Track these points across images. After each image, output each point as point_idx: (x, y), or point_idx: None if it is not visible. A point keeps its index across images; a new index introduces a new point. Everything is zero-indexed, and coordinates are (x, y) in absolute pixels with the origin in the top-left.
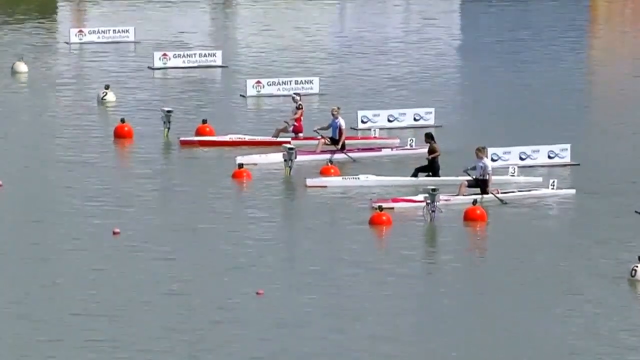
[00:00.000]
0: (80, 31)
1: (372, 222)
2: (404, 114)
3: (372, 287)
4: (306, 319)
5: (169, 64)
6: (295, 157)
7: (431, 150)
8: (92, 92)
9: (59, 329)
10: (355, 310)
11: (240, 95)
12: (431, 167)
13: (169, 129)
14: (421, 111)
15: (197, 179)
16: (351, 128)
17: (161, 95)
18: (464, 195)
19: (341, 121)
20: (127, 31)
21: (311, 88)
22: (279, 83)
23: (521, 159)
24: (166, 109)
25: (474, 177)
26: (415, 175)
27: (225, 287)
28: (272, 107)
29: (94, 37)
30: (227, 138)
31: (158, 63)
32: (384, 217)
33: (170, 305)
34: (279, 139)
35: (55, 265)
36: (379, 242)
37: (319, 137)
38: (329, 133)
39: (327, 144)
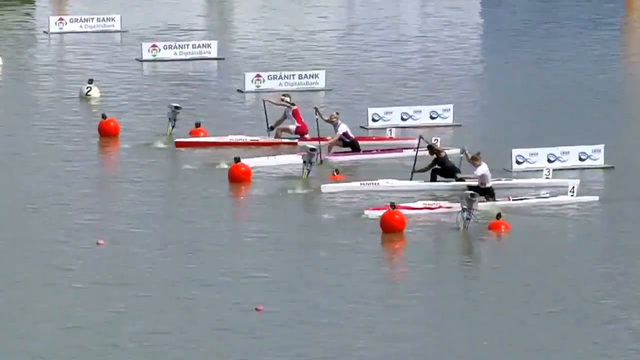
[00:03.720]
0: (61, 19)
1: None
2: (419, 111)
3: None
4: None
5: (159, 55)
6: (317, 160)
7: (434, 152)
8: (74, 87)
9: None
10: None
11: (238, 90)
12: (445, 169)
13: (173, 126)
14: (438, 108)
15: (194, 185)
16: (360, 127)
17: (150, 91)
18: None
19: (343, 127)
20: (113, 20)
21: (316, 83)
22: (280, 77)
23: (549, 161)
24: (173, 105)
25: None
26: (433, 179)
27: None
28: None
29: (75, 26)
30: (227, 139)
31: (147, 55)
32: (396, 216)
33: (168, 317)
34: (283, 140)
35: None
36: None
37: (318, 117)
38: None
39: (339, 145)
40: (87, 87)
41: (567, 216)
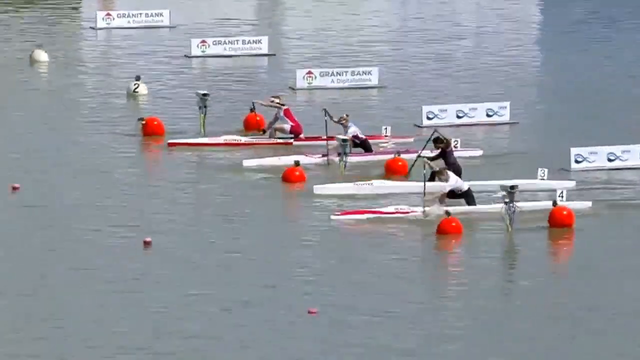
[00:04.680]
0: (108, 15)
1: (441, 231)
2: (475, 109)
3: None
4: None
5: (209, 51)
6: (350, 151)
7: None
8: (121, 83)
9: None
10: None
11: (289, 87)
12: (446, 165)
13: (204, 114)
14: (494, 106)
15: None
16: (415, 125)
17: (200, 87)
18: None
19: (353, 129)
20: (161, 15)
21: (369, 80)
22: (332, 74)
23: (609, 160)
24: (201, 92)
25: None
26: (432, 179)
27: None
28: (324, 100)
29: (123, 22)
30: (221, 140)
31: (196, 51)
32: (453, 224)
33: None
34: (277, 140)
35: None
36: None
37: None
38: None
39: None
40: (135, 84)
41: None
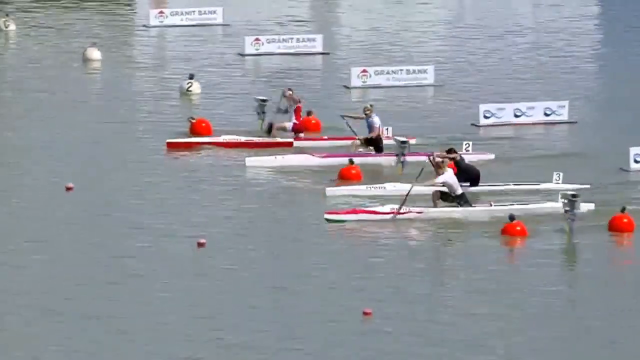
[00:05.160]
0: (161, 12)
1: (505, 233)
2: (533, 107)
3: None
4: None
5: (262, 50)
6: (409, 151)
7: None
8: (174, 82)
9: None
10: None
11: (344, 86)
12: (460, 172)
13: (263, 120)
14: (553, 104)
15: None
16: (472, 124)
17: (253, 86)
18: (438, 206)
19: (375, 119)
20: (215, 12)
21: (425, 78)
22: (388, 72)
23: None
24: (260, 97)
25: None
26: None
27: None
28: (379, 99)
29: (176, 20)
30: (220, 139)
31: (250, 49)
32: (517, 228)
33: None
34: (278, 140)
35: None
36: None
37: (352, 135)
38: (362, 132)
39: (361, 146)
40: (188, 83)
41: None
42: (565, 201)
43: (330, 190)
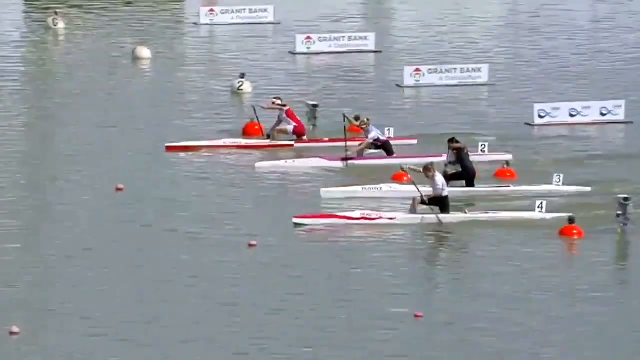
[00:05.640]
0: (212, 11)
1: (563, 234)
2: (589, 107)
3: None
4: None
5: (314, 48)
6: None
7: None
8: (225, 81)
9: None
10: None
11: (396, 85)
12: (461, 168)
13: (314, 125)
14: (609, 104)
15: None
16: (525, 124)
17: (304, 85)
18: (419, 213)
19: (374, 133)
20: (266, 11)
21: (479, 77)
22: (441, 71)
23: None
24: (311, 102)
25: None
26: (451, 178)
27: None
28: (432, 98)
29: (227, 18)
30: (221, 142)
31: (301, 47)
32: (574, 231)
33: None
34: (279, 142)
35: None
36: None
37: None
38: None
39: (370, 148)
40: (239, 82)
41: None
42: (618, 205)
43: (326, 192)
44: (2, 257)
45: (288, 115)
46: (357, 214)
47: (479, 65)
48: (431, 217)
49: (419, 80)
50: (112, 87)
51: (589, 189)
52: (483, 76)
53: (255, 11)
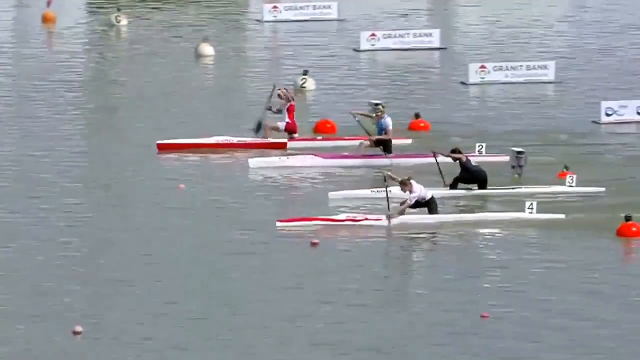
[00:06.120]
0: (275, 7)
1: (620, 234)
2: None
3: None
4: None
5: (378, 45)
6: (526, 163)
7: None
8: (288, 78)
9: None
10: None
11: (461, 82)
12: (467, 174)
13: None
14: None
15: None
16: (593, 122)
17: (368, 82)
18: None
19: (388, 120)
20: (329, 7)
21: (545, 75)
22: (507, 68)
23: None
24: (375, 101)
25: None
26: (454, 186)
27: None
28: (497, 96)
29: (290, 15)
30: (212, 140)
31: (365, 44)
32: (633, 229)
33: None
34: (271, 140)
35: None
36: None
37: (363, 136)
38: (372, 131)
39: (370, 146)
40: (302, 79)
41: None
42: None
43: (333, 194)
44: (64, 254)
45: (288, 110)
46: (342, 216)
47: (545, 63)
48: (428, 217)
49: (484, 78)
50: (174, 84)
51: (602, 189)
52: (549, 74)
53: (319, 7)
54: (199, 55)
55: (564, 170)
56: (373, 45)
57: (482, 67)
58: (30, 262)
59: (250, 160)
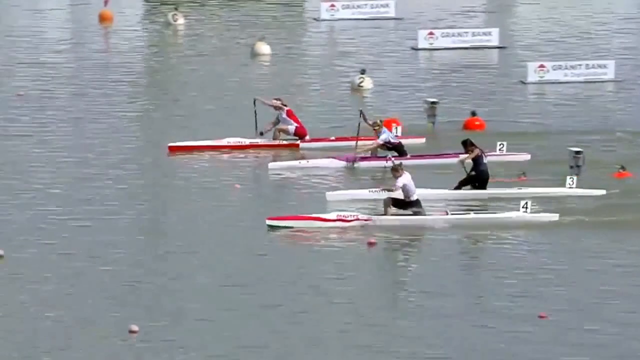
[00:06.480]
0: (332, 6)
1: None
2: None
3: None
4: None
5: (436, 44)
6: (584, 163)
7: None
8: (346, 77)
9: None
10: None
11: (520, 81)
12: (476, 172)
13: (433, 123)
14: None
15: None
16: None
17: (426, 82)
18: (391, 215)
19: (385, 135)
20: (387, 6)
21: (605, 74)
22: (566, 67)
23: None
24: (430, 99)
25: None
26: (458, 187)
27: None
28: (557, 96)
29: (347, 13)
30: (224, 142)
31: (423, 43)
32: None
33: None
34: (282, 142)
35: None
36: None
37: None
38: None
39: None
40: (360, 78)
41: None
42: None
43: (331, 195)
44: (122, 252)
45: (288, 116)
46: (332, 215)
47: (604, 62)
48: (412, 219)
49: (543, 77)
50: (231, 83)
51: (603, 192)
52: (609, 73)
53: (377, 6)
54: (255, 54)
55: (620, 170)
56: (431, 43)
57: (541, 66)
58: (89, 261)
59: (270, 163)
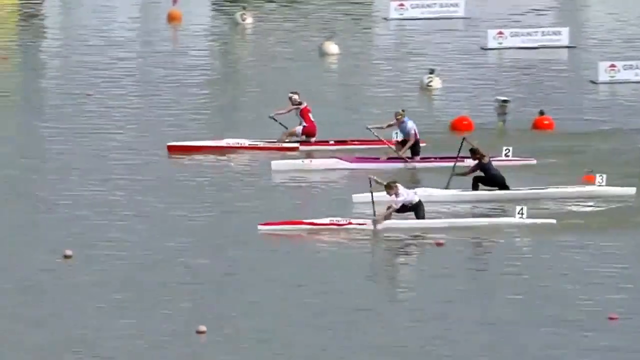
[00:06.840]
0: (401, 5)
1: None
2: None
3: None
4: None
5: (505, 43)
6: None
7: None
8: (414, 76)
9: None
10: None
11: (590, 81)
12: (488, 177)
13: (504, 121)
14: None
15: None
16: None
17: (495, 81)
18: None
19: (409, 124)
20: (457, 5)
21: None
22: (638, 67)
23: None
24: (501, 98)
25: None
26: (475, 187)
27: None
28: (626, 95)
29: (416, 12)
30: (223, 143)
31: (492, 43)
32: None
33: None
34: (285, 144)
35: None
36: None
37: (377, 139)
38: (391, 134)
39: (393, 149)
40: (429, 78)
41: None
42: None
43: (357, 197)
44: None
45: (302, 114)
46: (325, 220)
47: None
48: (413, 223)
49: (614, 77)
50: (299, 83)
51: (633, 190)
52: None
53: (446, 5)
54: (323, 54)
55: (590, 173)
56: (500, 43)
57: (612, 65)
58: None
59: (272, 162)
